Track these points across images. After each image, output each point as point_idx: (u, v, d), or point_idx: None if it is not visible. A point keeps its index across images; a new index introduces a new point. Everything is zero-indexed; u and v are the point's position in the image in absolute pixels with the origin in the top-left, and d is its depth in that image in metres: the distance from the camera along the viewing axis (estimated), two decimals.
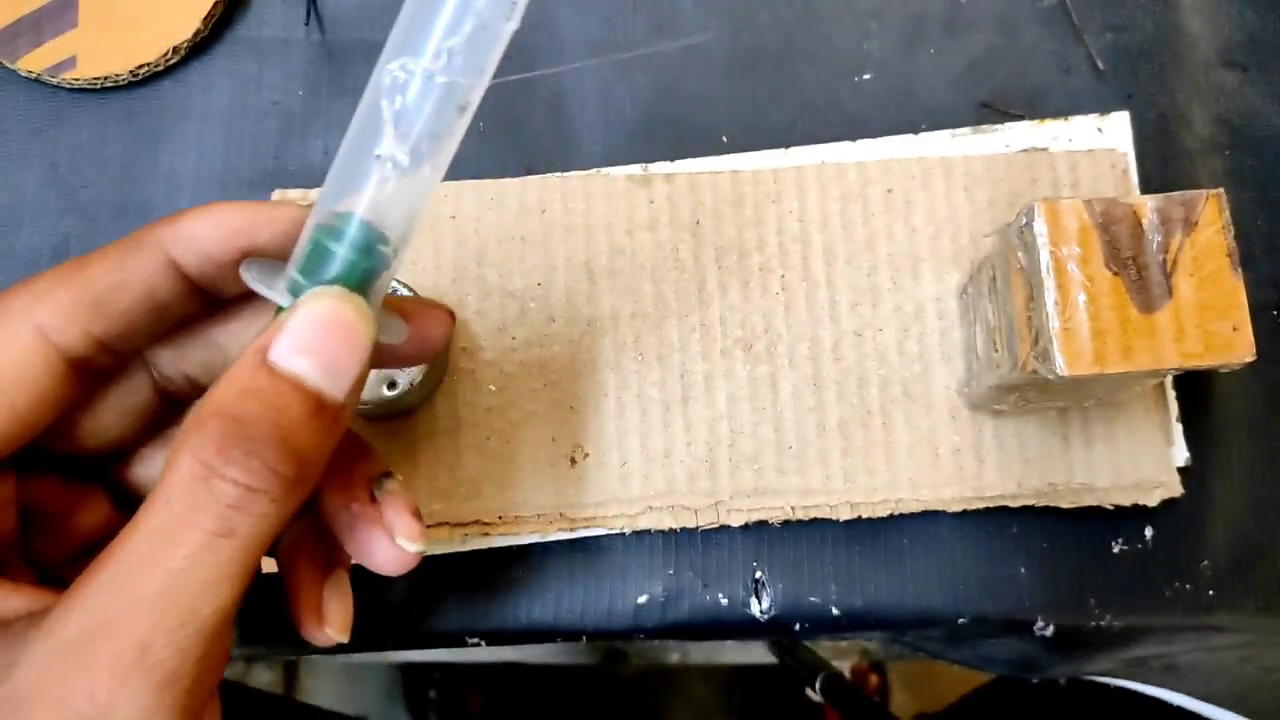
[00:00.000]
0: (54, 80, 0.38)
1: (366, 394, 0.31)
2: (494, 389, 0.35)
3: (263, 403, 0.18)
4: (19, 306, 0.20)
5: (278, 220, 0.21)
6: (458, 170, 0.37)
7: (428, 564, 0.35)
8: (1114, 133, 0.37)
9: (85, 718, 0.17)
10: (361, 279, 0.20)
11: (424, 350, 0.23)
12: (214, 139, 0.38)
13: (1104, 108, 0.38)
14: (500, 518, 0.34)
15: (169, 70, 0.38)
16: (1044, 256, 0.28)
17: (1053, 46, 0.39)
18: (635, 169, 0.37)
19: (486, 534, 0.34)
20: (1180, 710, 0.40)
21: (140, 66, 0.38)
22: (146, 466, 0.25)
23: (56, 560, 0.23)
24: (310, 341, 0.19)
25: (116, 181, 0.38)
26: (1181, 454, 0.35)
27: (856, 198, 0.36)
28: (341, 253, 0.20)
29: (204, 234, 0.21)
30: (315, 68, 0.39)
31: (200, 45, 0.38)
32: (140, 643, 0.17)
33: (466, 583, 0.35)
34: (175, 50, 0.38)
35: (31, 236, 0.37)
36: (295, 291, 0.20)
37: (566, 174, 0.37)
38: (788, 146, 0.37)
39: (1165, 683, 0.41)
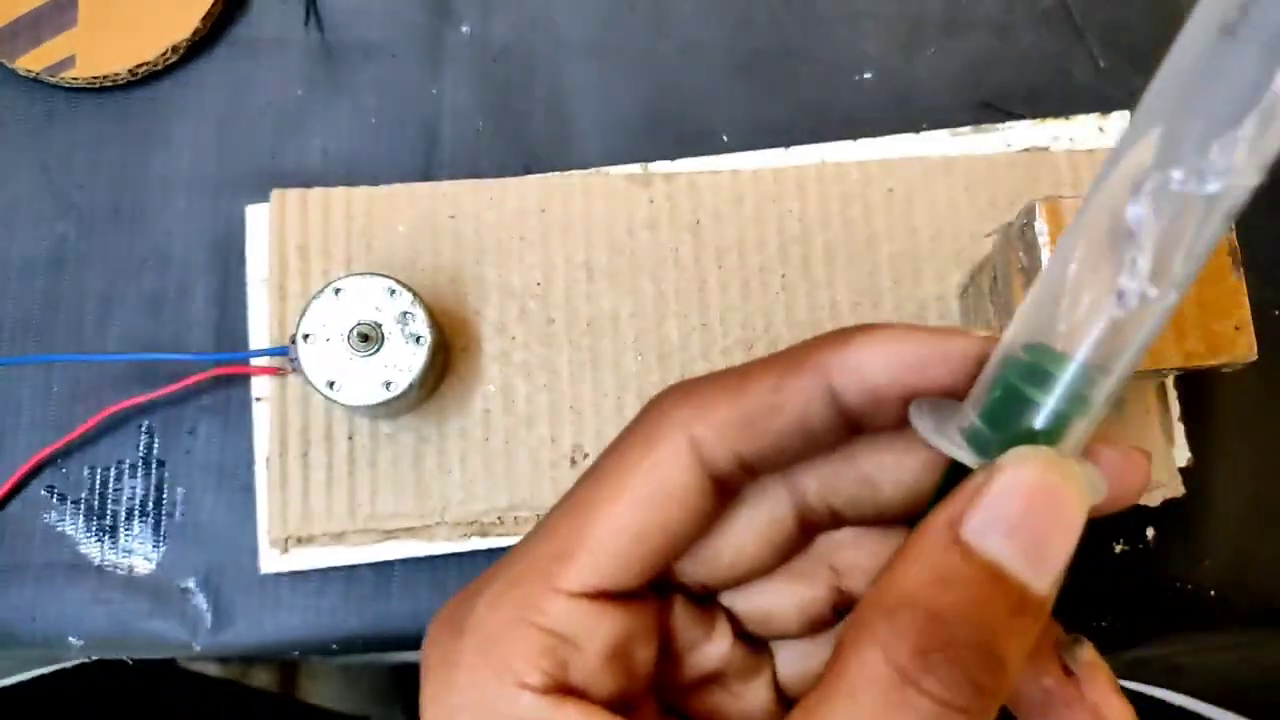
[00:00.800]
0: (53, 80, 0.37)
1: (366, 396, 0.31)
2: (494, 389, 0.35)
3: (961, 595, 0.15)
4: (680, 419, 0.19)
5: (954, 357, 0.18)
6: (456, 169, 0.38)
7: (427, 565, 0.35)
8: (1115, 132, 0.37)
9: None
10: (1058, 429, 0.16)
11: (1114, 506, 0.18)
12: (210, 139, 0.38)
13: (1104, 107, 0.38)
14: (500, 518, 0.34)
15: (167, 70, 0.38)
16: (1045, 256, 0.28)
17: (1053, 46, 0.39)
18: (635, 168, 0.37)
19: (486, 534, 0.34)
20: (1181, 710, 0.40)
21: (139, 66, 0.37)
22: (766, 596, 0.22)
23: (671, 690, 0.21)
24: (1012, 519, 0.15)
25: (112, 183, 0.37)
26: (1183, 454, 0.35)
27: (857, 198, 0.36)
28: (1048, 404, 0.16)
29: (873, 366, 0.18)
30: (313, 67, 0.38)
31: (199, 45, 0.38)
32: None
33: (466, 583, 0.35)
34: (174, 50, 0.38)
35: (26, 239, 0.37)
36: (978, 445, 0.17)
37: (566, 173, 0.37)
38: (788, 146, 0.37)
39: (1166, 683, 0.41)
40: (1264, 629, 0.36)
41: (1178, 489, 0.34)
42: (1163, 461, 0.34)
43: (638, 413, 0.20)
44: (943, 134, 0.37)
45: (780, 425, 0.19)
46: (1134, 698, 0.41)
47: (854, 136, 0.37)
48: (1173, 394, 0.35)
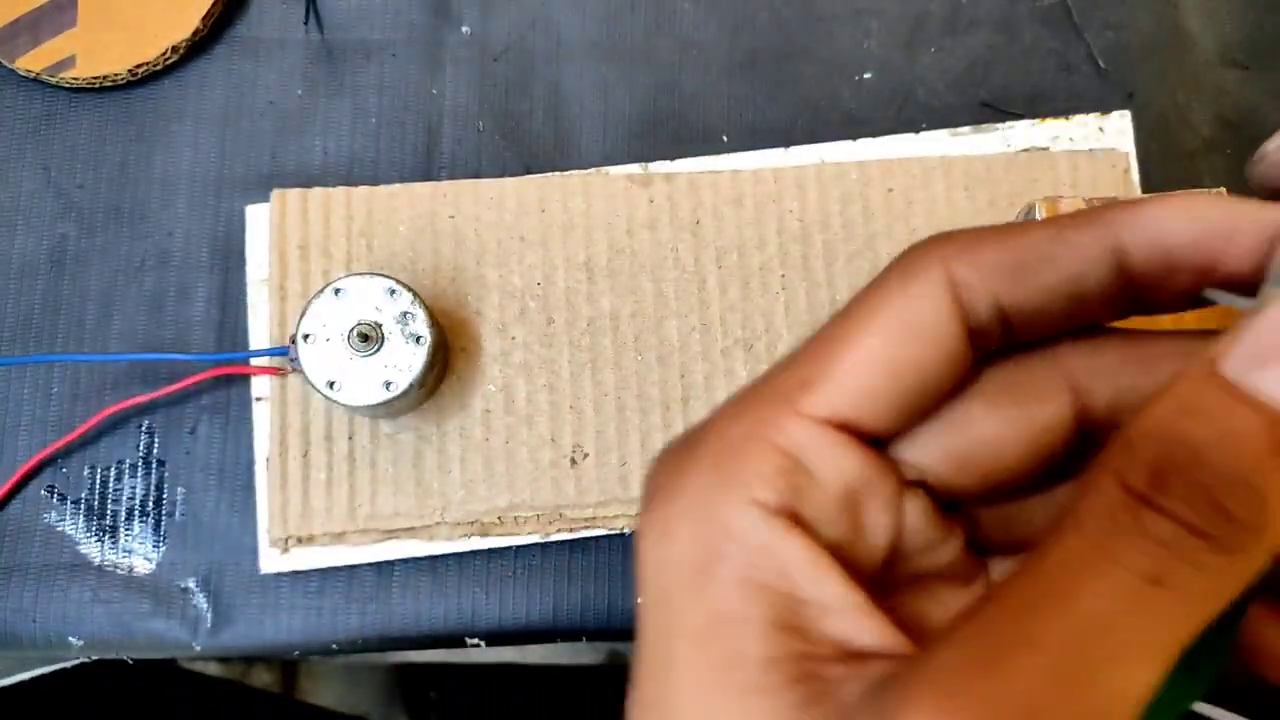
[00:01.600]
0: (53, 80, 0.37)
1: (366, 396, 0.31)
2: (494, 389, 0.35)
3: (1214, 426, 0.14)
4: (941, 254, 0.17)
5: (1270, 226, 0.16)
6: (456, 170, 0.38)
7: (428, 564, 0.35)
8: (1115, 132, 0.37)
9: None
10: None
11: None
12: (210, 139, 0.38)
13: (1105, 107, 0.38)
14: (500, 518, 0.34)
15: (167, 70, 0.38)
16: None
17: (1053, 46, 0.39)
18: (635, 168, 0.37)
19: (486, 534, 0.34)
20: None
21: (139, 66, 0.37)
22: (1021, 514, 0.19)
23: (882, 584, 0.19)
24: (1275, 347, 0.14)
25: (112, 183, 0.37)
26: None
27: (857, 198, 0.36)
28: None
29: (1174, 226, 0.16)
30: (314, 68, 0.38)
31: (199, 45, 0.38)
32: (1029, 708, 0.13)
33: (467, 583, 0.35)
34: (174, 50, 0.38)
35: (27, 239, 0.37)
36: None
37: (566, 173, 0.37)
38: (788, 146, 0.37)
39: None
40: None
41: None
42: None
43: (898, 255, 0.18)
44: (942, 134, 0.37)
45: (1053, 279, 0.17)
46: None
47: (854, 136, 0.37)
48: None
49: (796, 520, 0.16)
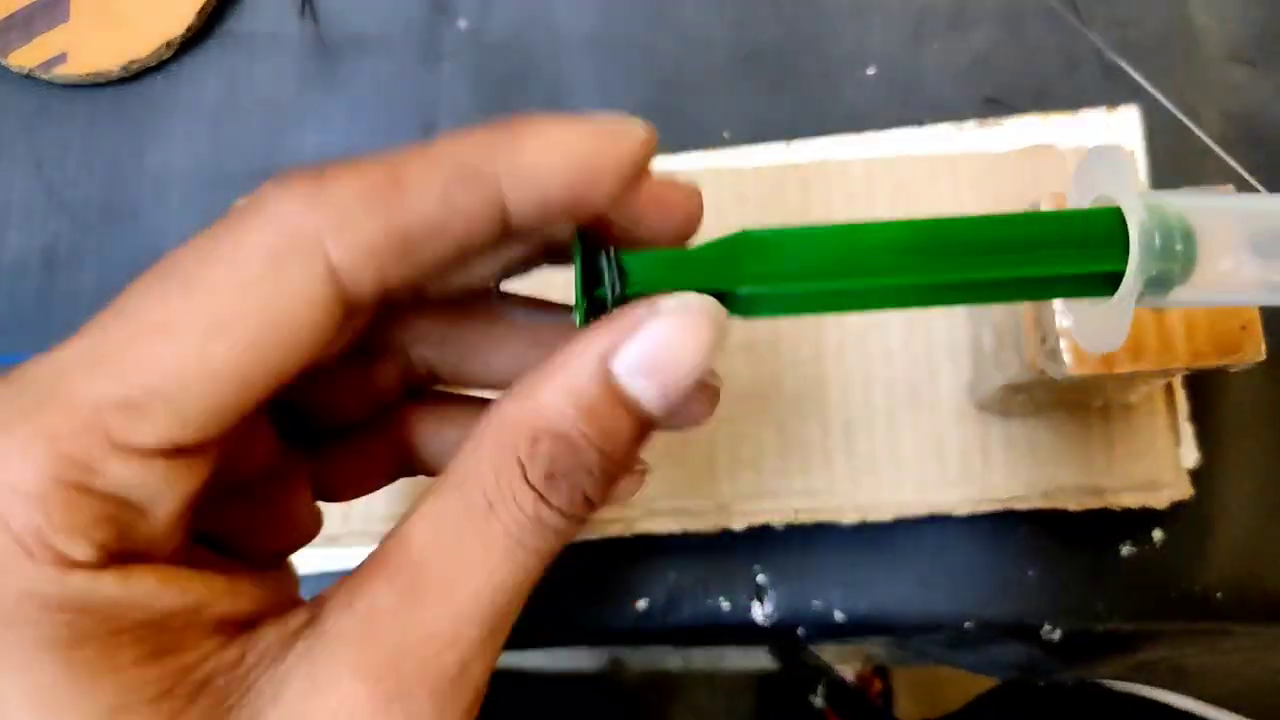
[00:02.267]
0: (45, 76, 0.37)
1: None
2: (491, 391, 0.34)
3: (601, 430, 0.16)
4: (313, 229, 0.15)
5: (624, 163, 0.17)
6: None
7: None
8: (1122, 128, 0.36)
9: None
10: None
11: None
12: (204, 135, 0.37)
13: (1111, 102, 0.37)
14: None
15: (160, 66, 0.38)
16: None
17: (1059, 41, 0.38)
18: None
19: None
20: (1189, 714, 0.40)
21: (132, 62, 0.37)
22: (350, 455, 0.21)
23: (231, 533, 0.19)
24: (660, 362, 0.16)
25: (104, 181, 0.37)
26: (1191, 455, 0.34)
27: (860, 194, 0.35)
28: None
29: (549, 171, 0.16)
30: (309, 62, 0.38)
31: (192, 40, 0.38)
32: (463, 660, 0.15)
33: None
34: (168, 45, 0.37)
35: (18, 237, 0.37)
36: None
37: None
38: (790, 141, 0.37)
39: (1174, 686, 0.40)
40: (1273, 631, 0.35)
41: (1185, 490, 0.34)
42: (1170, 463, 0.34)
43: (246, 204, 0.16)
44: (947, 129, 0.37)
45: (441, 250, 0.16)
46: (1142, 702, 0.41)
47: (857, 132, 0.37)
48: (1181, 394, 0.34)
49: (127, 555, 0.15)
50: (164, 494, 0.15)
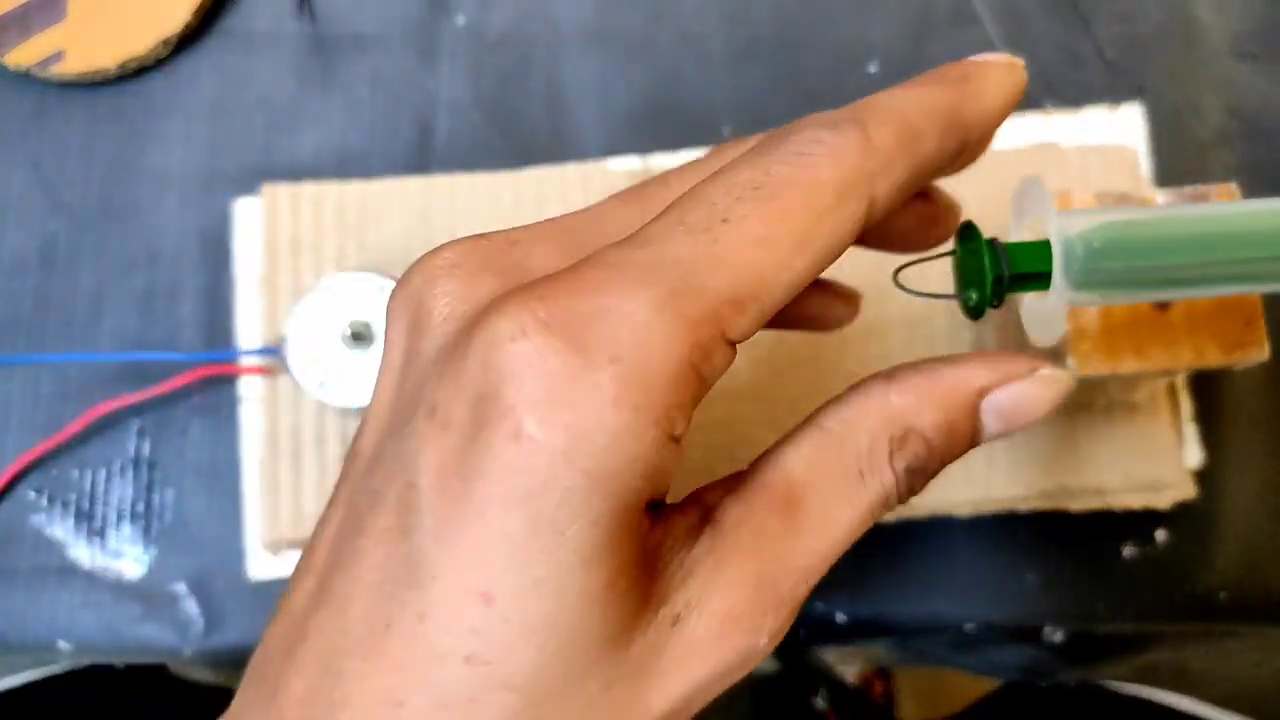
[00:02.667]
0: (42, 75, 0.37)
1: (357, 396, 0.30)
2: None
3: (951, 449, 0.20)
4: (869, 170, 0.18)
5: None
6: (451, 164, 0.37)
7: None
8: (1125, 125, 0.36)
9: None
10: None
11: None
12: (201, 134, 0.37)
13: (1114, 99, 0.37)
14: None
15: (158, 64, 0.38)
16: None
17: (1061, 38, 0.38)
18: (634, 161, 0.36)
19: None
20: (1192, 716, 0.40)
21: (129, 60, 0.37)
22: None
23: None
24: (1016, 415, 0.20)
25: (103, 179, 0.37)
26: (1194, 455, 0.34)
27: None
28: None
29: (996, 116, 0.21)
30: (306, 60, 0.38)
31: (189, 38, 0.38)
32: (809, 591, 0.18)
33: None
34: (165, 43, 0.37)
35: (16, 236, 0.37)
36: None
37: (564, 167, 0.36)
38: None
39: (1177, 688, 0.40)
40: (1278, 633, 0.35)
41: (1189, 491, 0.33)
42: (1173, 463, 0.33)
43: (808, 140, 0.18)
44: None
45: (921, 185, 0.20)
46: (1144, 703, 0.40)
47: None
48: (1184, 394, 0.34)
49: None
50: (700, 393, 0.17)
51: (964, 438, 0.20)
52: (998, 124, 0.20)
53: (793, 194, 0.17)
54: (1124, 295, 0.23)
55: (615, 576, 0.16)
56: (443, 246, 0.18)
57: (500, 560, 0.15)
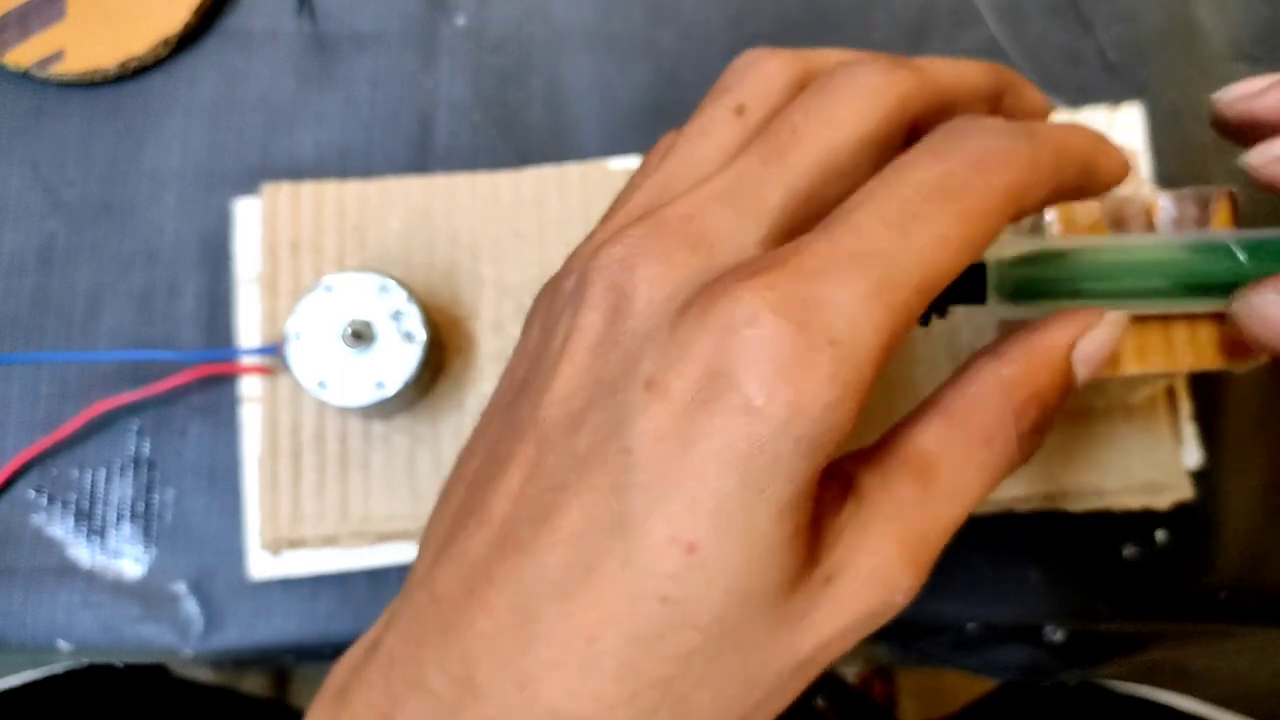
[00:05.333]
0: (42, 75, 0.37)
1: (357, 396, 0.30)
2: (489, 388, 0.34)
3: (1058, 400, 0.22)
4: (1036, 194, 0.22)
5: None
6: (452, 163, 0.37)
7: None
8: (1126, 126, 0.36)
9: None
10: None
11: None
12: (200, 133, 0.37)
13: (1115, 100, 0.37)
14: None
15: (157, 64, 0.38)
16: None
17: (1061, 38, 0.38)
18: (634, 161, 0.36)
19: None
20: (1192, 716, 0.40)
21: (129, 60, 0.37)
22: None
23: None
24: (1097, 357, 0.23)
25: (102, 179, 0.37)
26: (1194, 456, 0.34)
27: None
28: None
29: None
30: (306, 59, 0.38)
31: (189, 37, 0.38)
32: (942, 553, 0.21)
33: None
34: (164, 43, 0.37)
35: (15, 236, 0.36)
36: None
37: (563, 166, 0.36)
38: None
39: (1177, 687, 0.40)
40: (1275, 633, 0.35)
41: (1187, 491, 0.34)
42: (1172, 464, 0.33)
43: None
44: None
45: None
46: (1145, 702, 0.41)
47: None
48: (1183, 395, 0.34)
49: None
50: None
51: (1065, 389, 0.22)
52: (1104, 190, 0.24)
53: (971, 198, 0.19)
54: (1047, 309, 0.25)
55: (797, 530, 0.18)
56: (624, 230, 0.20)
57: (708, 515, 0.17)
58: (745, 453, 0.17)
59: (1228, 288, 0.26)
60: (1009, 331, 0.31)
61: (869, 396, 0.18)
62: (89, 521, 0.35)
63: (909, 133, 0.22)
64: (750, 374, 0.17)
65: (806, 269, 0.18)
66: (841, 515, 0.20)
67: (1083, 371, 0.23)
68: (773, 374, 0.17)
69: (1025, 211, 0.21)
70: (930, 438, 0.21)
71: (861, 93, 0.21)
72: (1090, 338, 0.23)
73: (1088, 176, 0.23)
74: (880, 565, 0.20)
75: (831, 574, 0.19)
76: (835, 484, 0.21)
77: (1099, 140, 0.23)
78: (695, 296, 0.18)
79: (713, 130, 0.23)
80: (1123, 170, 0.24)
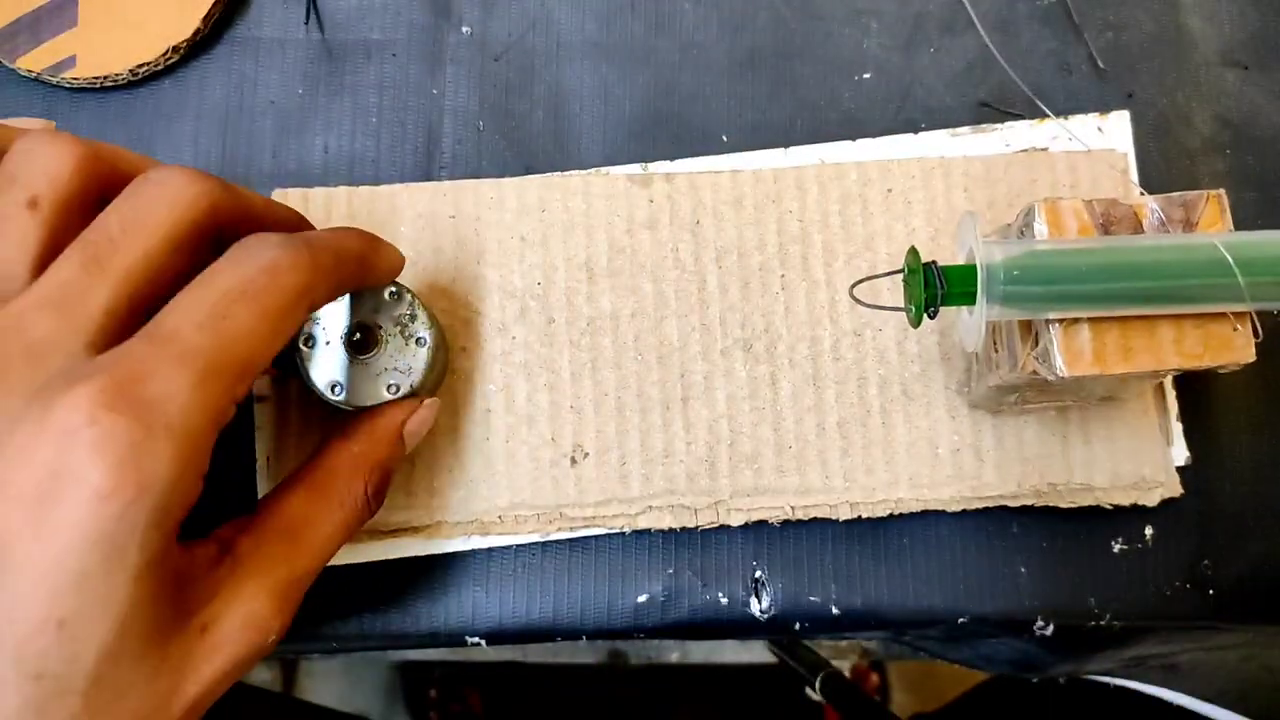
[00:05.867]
0: (53, 80, 0.37)
1: (367, 397, 0.31)
2: (494, 389, 0.35)
3: (394, 465, 0.30)
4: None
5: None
6: (457, 170, 0.38)
7: (429, 563, 0.35)
8: (1114, 132, 0.37)
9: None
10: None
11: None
12: (211, 139, 0.38)
13: (1104, 107, 0.38)
14: (500, 518, 0.34)
15: (168, 70, 0.38)
16: None
17: (1052, 46, 0.39)
18: (635, 168, 0.37)
19: (487, 533, 0.34)
20: (1180, 710, 0.40)
21: (140, 66, 0.37)
22: None
23: None
24: (418, 431, 0.31)
25: None
26: (1181, 453, 0.35)
27: (856, 198, 0.36)
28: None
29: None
30: (314, 67, 0.39)
31: (200, 45, 0.38)
32: (307, 589, 0.27)
33: (467, 582, 0.35)
34: (175, 50, 0.38)
35: None
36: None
37: (566, 173, 0.37)
38: (787, 146, 0.37)
39: (1165, 682, 0.41)
40: (1263, 628, 0.36)
41: (1175, 488, 0.34)
42: (1160, 461, 0.34)
43: None
44: (942, 134, 0.37)
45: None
46: (1133, 696, 0.41)
47: (853, 136, 0.37)
48: (1171, 393, 0.35)
49: None
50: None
51: (399, 458, 0.30)
52: (387, 279, 0.30)
53: (269, 298, 0.23)
54: (1036, 312, 0.27)
55: (160, 589, 0.21)
56: None
57: (72, 591, 0.20)
58: (101, 531, 0.20)
59: (1213, 289, 0.26)
60: (991, 333, 0.32)
61: (206, 463, 0.22)
62: None
63: (216, 239, 0.25)
64: (95, 466, 0.20)
65: (137, 371, 0.21)
66: (218, 573, 0.24)
67: (411, 442, 0.30)
68: (117, 463, 0.20)
69: (318, 303, 0.25)
70: (297, 504, 0.27)
71: (177, 201, 0.24)
72: (416, 417, 0.30)
73: (367, 269, 0.28)
74: (252, 613, 0.24)
75: (207, 623, 0.23)
76: (213, 546, 0.25)
77: (371, 240, 0.28)
78: (31, 402, 0.21)
79: (7, 229, 0.24)
80: (398, 262, 0.29)
